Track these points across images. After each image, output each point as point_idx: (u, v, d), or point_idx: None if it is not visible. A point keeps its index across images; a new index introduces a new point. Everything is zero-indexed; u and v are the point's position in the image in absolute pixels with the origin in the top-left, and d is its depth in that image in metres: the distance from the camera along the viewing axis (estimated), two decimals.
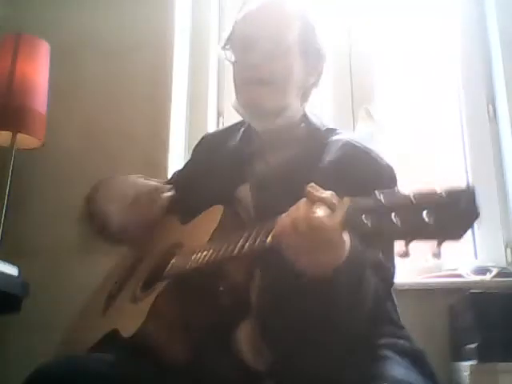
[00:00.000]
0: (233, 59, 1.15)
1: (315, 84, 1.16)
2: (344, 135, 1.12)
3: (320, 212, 0.74)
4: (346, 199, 0.73)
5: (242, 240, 0.86)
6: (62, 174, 1.88)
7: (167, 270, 1.02)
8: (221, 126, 2.10)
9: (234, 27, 1.16)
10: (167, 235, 1.19)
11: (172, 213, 1.24)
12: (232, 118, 2.07)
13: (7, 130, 1.69)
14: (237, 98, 1.15)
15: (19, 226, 1.80)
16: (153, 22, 2.00)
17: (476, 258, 1.87)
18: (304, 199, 0.77)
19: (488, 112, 2.01)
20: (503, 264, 1.84)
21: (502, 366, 1.41)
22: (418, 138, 2.10)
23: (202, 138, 1.34)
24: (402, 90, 2.17)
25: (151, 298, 0.97)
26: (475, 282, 1.72)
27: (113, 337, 0.99)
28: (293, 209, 0.78)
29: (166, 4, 2.01)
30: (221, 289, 0.96)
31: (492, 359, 1.42)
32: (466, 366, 1.47)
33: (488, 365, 1.42)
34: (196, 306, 0.95)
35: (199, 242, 0.99)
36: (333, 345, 0.89)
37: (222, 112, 2.13)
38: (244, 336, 0.96)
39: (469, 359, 1.48)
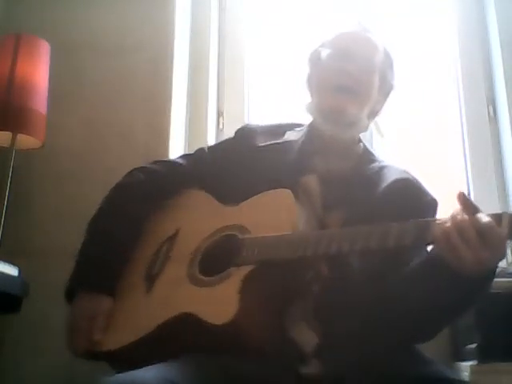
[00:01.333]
0: (322, 63, 1.24)
1: (378, 112, 1.29)
2: (390, 163, 1.26)
3: (487, 218, 0.85)
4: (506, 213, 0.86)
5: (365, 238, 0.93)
6: (62, 175, 1.88)
7: (244, 255, 1.01)
8: (221, 126, 2.10)
9: (330, 40, 1.27)
10: (207, 216, 1.16)
11: (198, 188, 1.23)
12: (232, 117, 2.09)
13: (7, 131, 1.69)
14: (316, 100, 1.24)
15: (19, 226, 1.80)
16: (153, 22, 2.00)
17: None
18: (457, 209, 0.87)
19: (488, 112, 2.01)
20: (503, 264, 1.84)
21: (503, 366, 1.41)
22: (417, 138, 2.10)
23: (244, 128, 1.35)
24: (401, 91, 2.17)
25: (233, 284, 0.96)
26: None
27: (184, 320, 0.98)
28: (451, 216, 0.87)
29: (165, 4, 2.01)
30: (308, 277, 1.01)
31: (492, 359, 1.43)
32: (466, 366, 1.47)
33: (488, 365, 1.42)
34: (282, 292, 0.98)
35: (277, 230, 1.01)
36: (394, 337, 0.99)
37: (222, 112, 2.13)
38: (297, 313, 1.01)
39: (469, 359, 1.48)
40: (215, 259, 1.06)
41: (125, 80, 1.95)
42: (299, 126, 1.31)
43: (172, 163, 1.34)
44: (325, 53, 1.25)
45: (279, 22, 2.28)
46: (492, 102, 2.02)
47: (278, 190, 1.08)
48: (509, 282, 1.73)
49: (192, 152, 1.39)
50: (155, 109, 1.92)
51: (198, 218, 1.18)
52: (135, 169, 1.33)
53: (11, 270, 1.38)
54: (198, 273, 1.06)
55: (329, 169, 1.20)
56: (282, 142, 1.25)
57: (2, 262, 1.34)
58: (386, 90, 1.27)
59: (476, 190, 1.92)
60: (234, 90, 2.14)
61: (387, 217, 0.98)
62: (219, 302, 0.96)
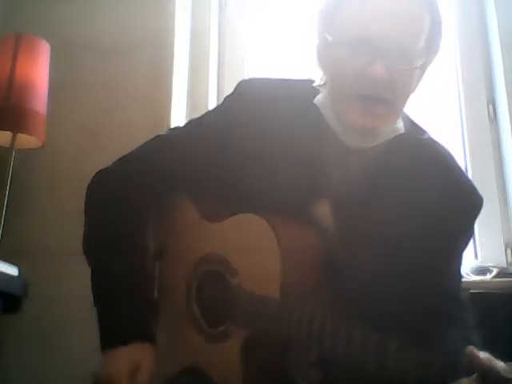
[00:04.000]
0: (338, 54, 0.88)
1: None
2: (431, 140, 1.01)
3: None
4: None
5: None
6: (62, 174, 1.88)
7: (237, 316, 0.90)
8: None
9: (343, 8, 0.87)
10: (193, 235, 1.04)
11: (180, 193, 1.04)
12: None
13: (7, 130, 1.69)
14: (333, 102, 0.91)
15: (19, 226, 1.80)
16: (153, 21, 2.00)
17: (476, 258, 1.87)
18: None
19: (488, 112, 2.01)
20: (503, 264, 1.84)
21: None
22: None
23: (247, 87, 1.01)
24: None
25: (233, 349, 0.90)
26: (475, 282, 1.72)
27: (196, 374, 0.93)
28: None
29: (166, 4, 2.01)
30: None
31: None
32: None
33: None
34: (280, 353, 0.90)
35: (262, 279, 0.88)
36: None
37: None
38: (294, 365, 0.92)
39: None
40: (210, 300, 0.99)
41: (125, 80, 1.95)
42: (313, 87, 0.97)
43: (144, 161, 1.06)
44: (340, 36, 0.86)
45: (279, 22, 2.28)
46: (492, 101, 2.02)
47: (259, 222, 0.89)
48: (509, 282, 1.73)
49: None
50: (155, 109, 1.91)
51: (187, 240, 1.06)
52: (101, 172, 1.13)
53: (11, 270, 1.38)
54: (198, 314, 0.99)
55: (348, 175, 0.94)
56: (290, 135, 0.94)
57: (2, 262, 1.35)
58: (426, 65, 0.91)
59: None
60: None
61: (419, 236, 0.86)
62: (225, 366, 0.92)
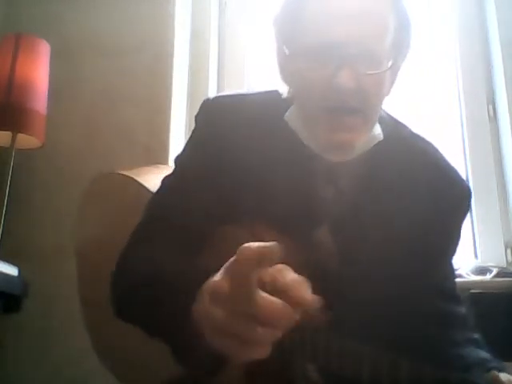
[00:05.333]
0: (299, 65, 0.82)
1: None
2: (412, 136, 0.96)
3: None
4: None
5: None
6: (62, 175, 1.88)
7: None
8: None
9: (299, 15, 0.80)
10: None
11: None
12: None
13: (7, 130, 1.69)
14: (305, 121, 0.85)
15: (19, 226, 1.80)
16: (153, 21, 2.00)
17: (476, 258, 1.87)
18: None
19: (488, 112, 2.01)
20: (503, 264, 1.84)
21: None
22: None
23: (215, 106, 0.93)
24: (401, 90, 2.17)
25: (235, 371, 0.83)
26: (475, 282, 1.72)
27: None
28: None
29: (166, 4, 2.01)
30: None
31: None
32: None
33: None
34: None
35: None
36: None
37: None
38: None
39: None
40: None
41: (125, 80, 1.95)
42: (282, 99, 0.91)
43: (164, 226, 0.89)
44: (300, 45, 0.81)
45: None
46: (492, 101, 2.02)
47: (241, 234, 0.83)
48: (509, 281, 1.73)
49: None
50: (155, 109, 1.92)
51: None
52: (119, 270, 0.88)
53: (11, 270, 1.38)
54: None
55: (341, 192, 0.90)
56: (269, 150, 0.88)
57: (2, 262, 1.35)
58: (398, 64, 0.88)
59: (476, 190, 1.92)
60: (233, 90, 2.14)
61: (415, 238, 0.86)
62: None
